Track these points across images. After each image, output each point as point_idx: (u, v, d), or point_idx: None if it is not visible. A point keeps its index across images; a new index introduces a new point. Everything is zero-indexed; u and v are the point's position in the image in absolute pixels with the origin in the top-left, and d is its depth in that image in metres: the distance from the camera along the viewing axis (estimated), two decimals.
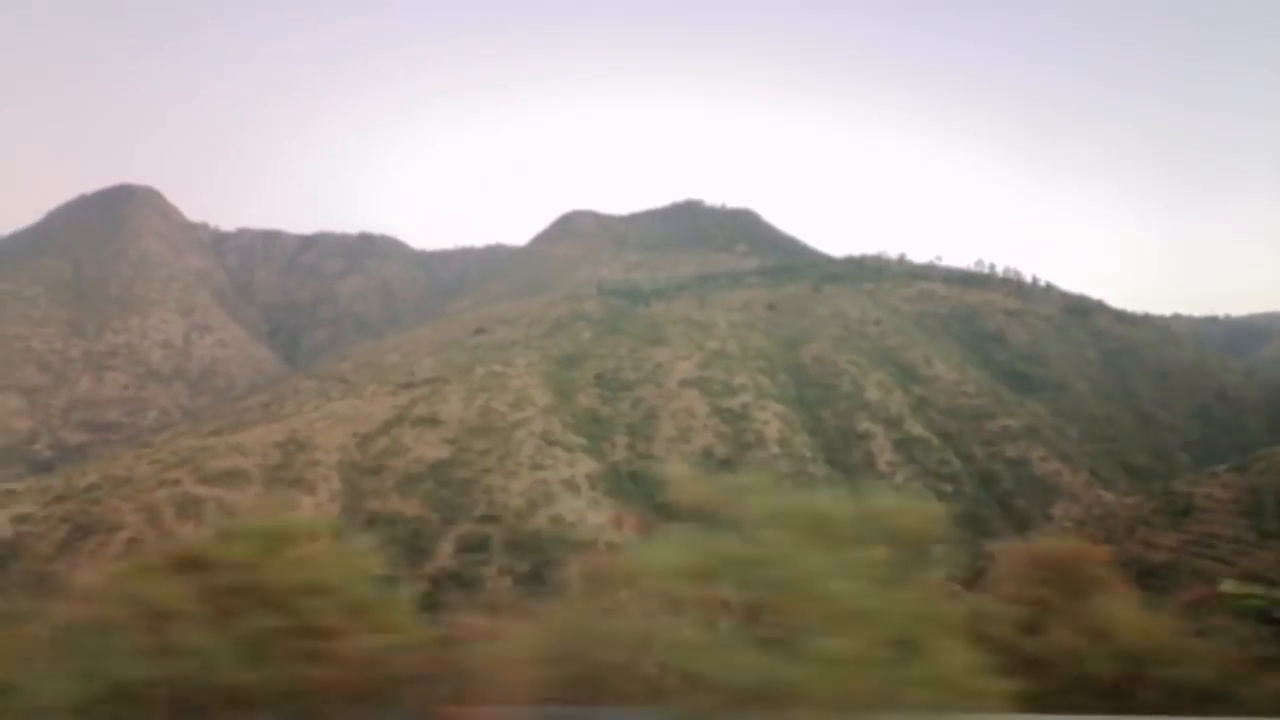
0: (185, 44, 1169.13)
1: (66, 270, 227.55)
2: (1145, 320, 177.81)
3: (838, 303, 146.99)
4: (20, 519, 79.51)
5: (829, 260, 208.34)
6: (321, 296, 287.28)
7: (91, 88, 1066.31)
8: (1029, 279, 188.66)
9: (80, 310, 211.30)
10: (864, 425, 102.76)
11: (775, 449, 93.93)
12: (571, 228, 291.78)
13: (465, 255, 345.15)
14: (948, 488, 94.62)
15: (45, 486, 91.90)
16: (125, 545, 70.20)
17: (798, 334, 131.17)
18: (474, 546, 75.81)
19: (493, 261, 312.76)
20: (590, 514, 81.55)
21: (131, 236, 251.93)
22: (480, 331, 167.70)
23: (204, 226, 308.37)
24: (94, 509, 76.44)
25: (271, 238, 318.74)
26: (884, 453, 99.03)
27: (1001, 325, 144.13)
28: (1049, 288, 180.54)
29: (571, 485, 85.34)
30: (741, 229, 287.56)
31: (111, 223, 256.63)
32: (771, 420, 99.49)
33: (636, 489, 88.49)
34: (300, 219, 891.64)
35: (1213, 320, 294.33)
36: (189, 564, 4.64)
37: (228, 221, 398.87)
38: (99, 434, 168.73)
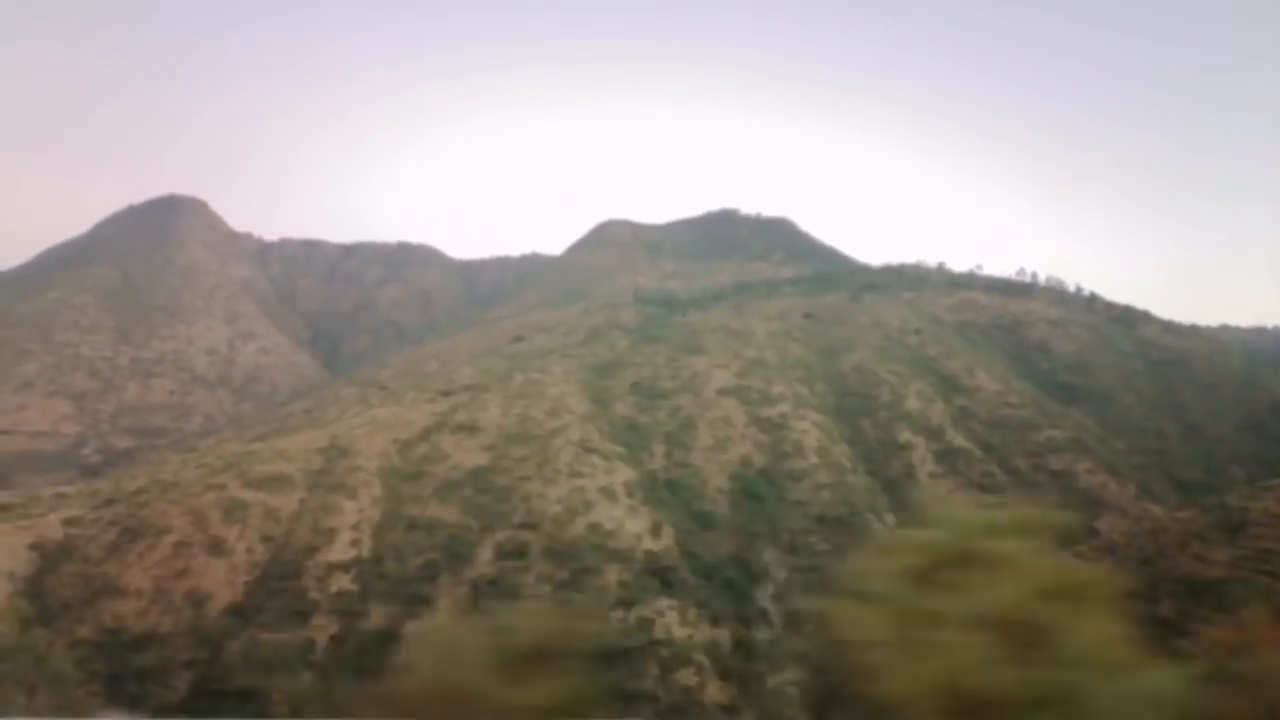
0: (230, 58, 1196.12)
1: (115, 278, 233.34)
2: (1193, 330, 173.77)
3: (877, 312, 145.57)
4: (70, 521, 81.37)
5: (866, 269, 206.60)
6: (362, 304, 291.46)
7: (139, 101, 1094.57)
8: (1072, 288, 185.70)
9: (128, 318, 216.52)
10: (904, 436, 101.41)
11: (814, 459, 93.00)
12: (607, 237, 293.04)
13: (502, 264, 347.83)
14: (990, 500, 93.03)
15: (95, 490, 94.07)
16: (172, 548, 71.59)
17: (836, 343, 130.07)
18: (513, 553, 75.99)
19: (529, 270, 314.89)
20: (628, 522, 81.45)
21: (178, 246, 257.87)
22: (518, 339, 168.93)
23: (248, 236, 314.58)
24: (142, 512, 77.94)
25: (313, 247, 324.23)
26: (925, 464, 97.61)
27: (1045, 335, 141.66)
28: (1093, 297, 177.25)
29: (609, 493, 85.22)
30: (777, 238, 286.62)
31: (159, 232, 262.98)
32: (810, 430, 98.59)
33: (674, 497, 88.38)
34: (341, 229, 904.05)
35: (1261, 330, 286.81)
36: None
37: (271, 231, 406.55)
38: (146, 439, 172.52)
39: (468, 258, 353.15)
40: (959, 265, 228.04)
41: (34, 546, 76.83)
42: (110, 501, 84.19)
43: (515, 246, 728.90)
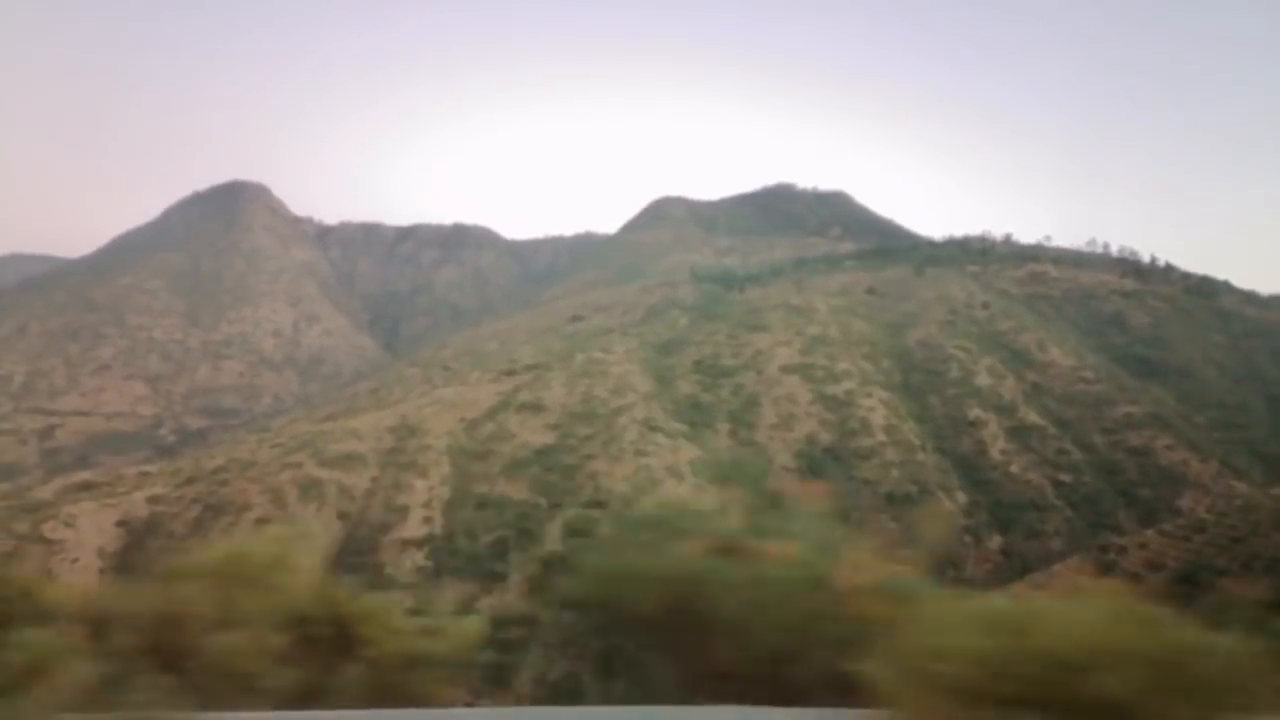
0: (291, 46, 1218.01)
1: (184, 263, 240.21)
2: (1276, 301, 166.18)
3: (942, 286, 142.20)
4: (155, 499, 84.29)
5: (930, 242, 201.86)
6: (419, 286, 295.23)
7: (202, 88, 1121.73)
8: (1146, 259, 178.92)
9: (197, 301, 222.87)
10: (974, 412, 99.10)
11: (881, 436, 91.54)
12: (662, 214, 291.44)
13: (555, 244, 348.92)
14: (1066, 478, 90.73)
15: (176, 469, 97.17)
16: (253, 525, 73.54)
17: (901, 318, 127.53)
18: (580, 531, 76.44)
19: (582, 250, 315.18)
20: (694, 500, 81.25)
21: (243, 230, 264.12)
22: (576, 319, 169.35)
23: (309, 220, 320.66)
24: (222, 490, 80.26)
25: (371, 230, 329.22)
26: (997, 441, 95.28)
27: (1120, 308, 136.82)
28: (1169, 268, 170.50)
29: (675, 472, 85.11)
30: (834, 212, 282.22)
31: (224, 218, 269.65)
32: (877, 407, 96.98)
33: (739, 476, 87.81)
34: (398, 211, 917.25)
35: None
36: None
37: (330, 215, 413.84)
38: (218, 419, 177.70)
39: (521, 238, 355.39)
40: (1025, 237, 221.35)
41: (121, 524, 79.79)
42: (191, 480, 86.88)
43: (568, 226, 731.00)
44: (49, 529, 76.09)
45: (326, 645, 5.88)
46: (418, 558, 73.07)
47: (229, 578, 5.75)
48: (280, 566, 5.74)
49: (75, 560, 73.33)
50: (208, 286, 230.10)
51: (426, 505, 79.92)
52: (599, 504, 79.74)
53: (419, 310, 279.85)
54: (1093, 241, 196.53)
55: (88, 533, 77.00)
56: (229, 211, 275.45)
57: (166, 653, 5.33)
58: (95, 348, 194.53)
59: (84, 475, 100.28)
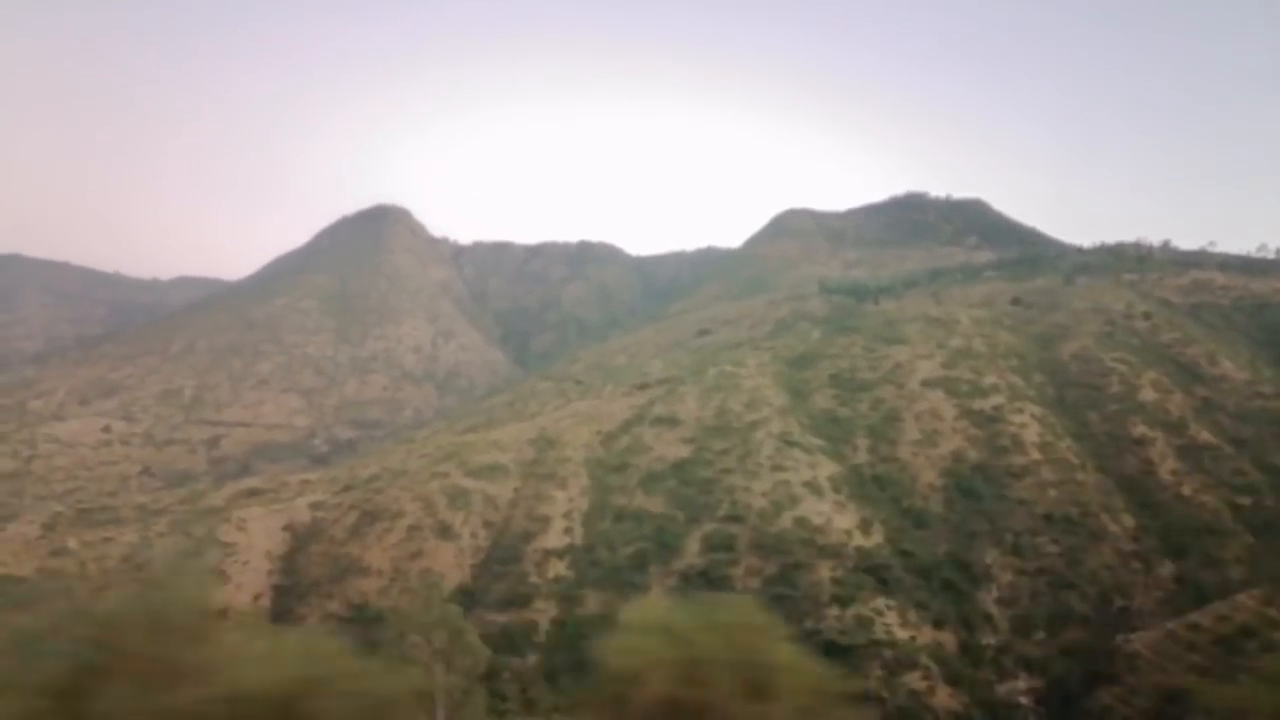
0: (431, 81, 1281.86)
1: (334, 284, 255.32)
2: None
3: (1095, 295, 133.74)
4: (316, 505, 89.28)
5: (1078, 250, 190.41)
6: (547, 302, 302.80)
7: (345, 119, 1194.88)
8: None
9: (346, 319, 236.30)
10: (1139, 430, 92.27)
11: (1036, 454, 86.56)
12: (787, 227, 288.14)
13: (678, 259, 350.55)
14: (1245, 501, 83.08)
15: (333, 476, 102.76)
16: (406, 531, 76.72)
17: (1051, 330, 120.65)
18: (720, 546, 75.79)
19: (705, 264, 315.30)
20: (836, 517, 79.19)
21: (386, 252, 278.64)
22: (704, 333, 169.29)
23: (445, 241, 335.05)
24: (377, 498, 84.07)
25: (502, 249, 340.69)
26: (1165, 461, 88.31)
27: None
28: None
29: (814, 487, 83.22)
30: (970, 221, 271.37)
31: (370, 240, 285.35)
32: (1029, 423, 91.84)
33: (882, 493, 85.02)
34: (527, 230, 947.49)
35: None
36: None
37: (464, 235, 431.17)
38: (365, 430, 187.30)
39: (644, 254, 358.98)
40: (1184, 243, 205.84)
41: (286, 528, 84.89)
42: (348, 487, 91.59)
43: (690, 241, 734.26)
44: (224, 532, 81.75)
45: None
46: (559, 567, 74.27)
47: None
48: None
49: (246, 563, 78.48)
50: (355, 305, 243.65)
51: (566, 516, 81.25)
52: (737, 519, 78.97)
53: (547, 325, 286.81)
54: (1263, 247, 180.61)
55: (257, 536, 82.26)
56: (374, 234, 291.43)
57: None
58: (255, 363, 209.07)
59: (251, 482, 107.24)
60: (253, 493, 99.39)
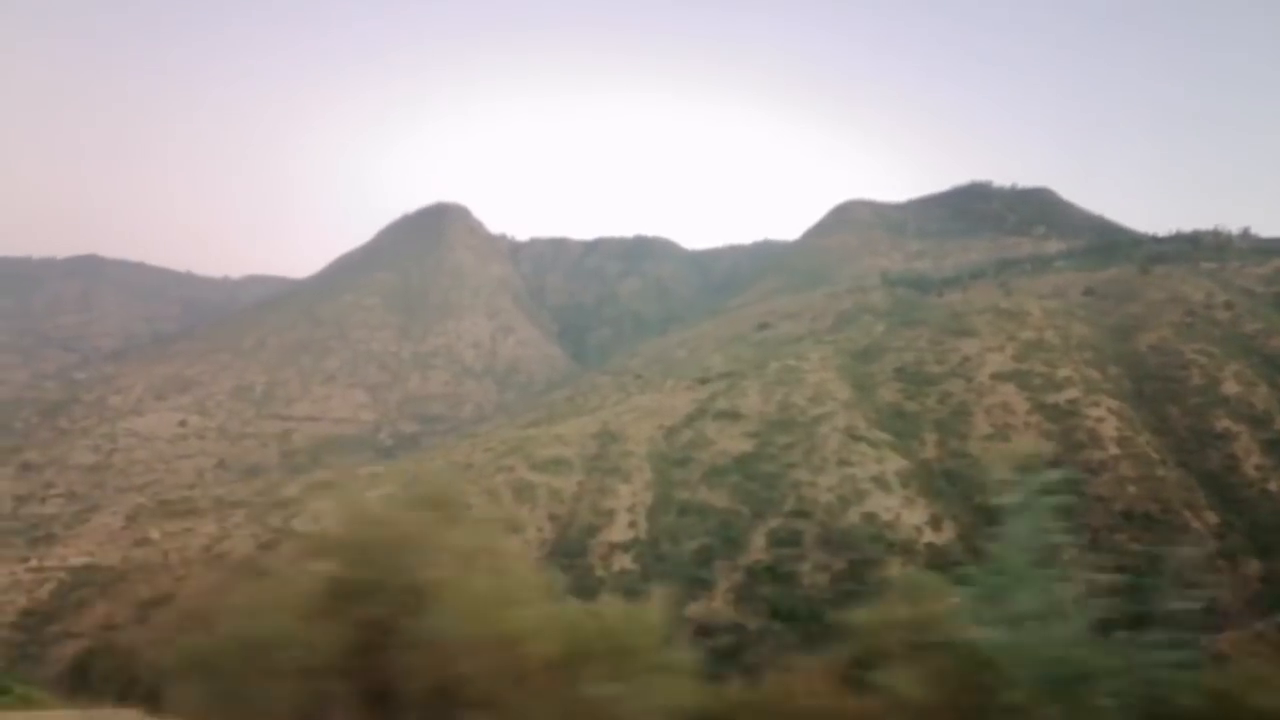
0: (485, 81, 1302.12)
1: (397, 281, 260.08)
2: None
3: (1173, 285, 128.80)
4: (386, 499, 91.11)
5: (1153, 239, 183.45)
6: (603, 297, 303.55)
7: (397, 119, 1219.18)
8: None
9: (408, 316, 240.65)
10: (1223, 424, 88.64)
11: (1114, 449, 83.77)
12: (846, 218, 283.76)
13: (735, 252, 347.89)
14: None
15: (400, 470, 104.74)
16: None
17: (1127, 321, 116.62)
18: (786, 541, 75.15)
19: (762, 257, 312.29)
20: (905, 513, 77.89)
21: (447, 249, 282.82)
22: (764, 326, 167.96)
23: (503, 237, 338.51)
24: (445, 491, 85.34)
25: (559, 245, 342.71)
26: (1251, 456, 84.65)
27: None
28: None
29: (882, 482, 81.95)
30: (1036, 209, 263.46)
31: (430, 238, 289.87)
32: (1106, 417, 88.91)
33: (952, 489, 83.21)
34: (583, 226, 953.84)
35: None
36: None
37: (522, 231, 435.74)
38: (427, 425, 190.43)
39: (700, 247, 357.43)
40: (1265, 229, 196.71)
41: None
42: (416, 481, 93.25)
43: (746, 234, 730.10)
44: (298, 523, 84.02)
45: None
46: (625, 561, 74.49)
47: None
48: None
49: None
50: (416, 301, 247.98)
51: (631, 510, 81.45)
52: (803, 514, 78.20)
53: (604, 320, 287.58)
54: None
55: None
56: (434, 232, 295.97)
57: None
58: (323, 359, 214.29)
59: (323, 474, 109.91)
60: (325, 485, 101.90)
